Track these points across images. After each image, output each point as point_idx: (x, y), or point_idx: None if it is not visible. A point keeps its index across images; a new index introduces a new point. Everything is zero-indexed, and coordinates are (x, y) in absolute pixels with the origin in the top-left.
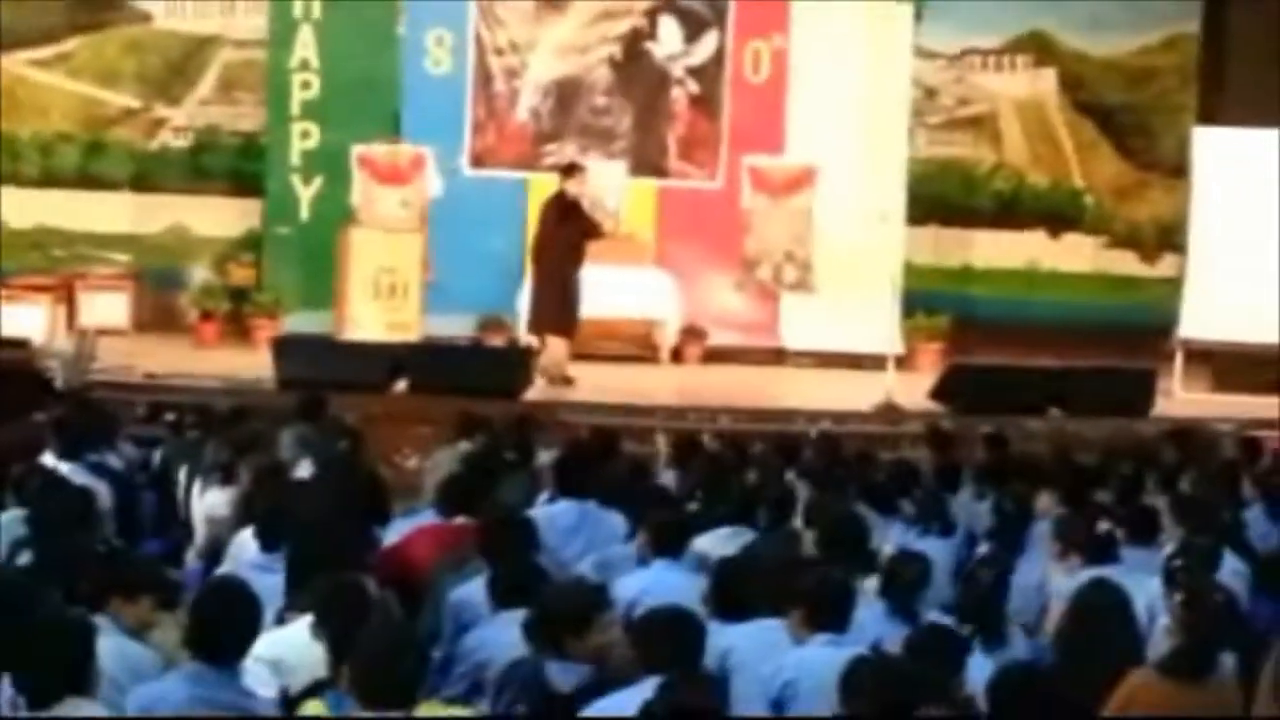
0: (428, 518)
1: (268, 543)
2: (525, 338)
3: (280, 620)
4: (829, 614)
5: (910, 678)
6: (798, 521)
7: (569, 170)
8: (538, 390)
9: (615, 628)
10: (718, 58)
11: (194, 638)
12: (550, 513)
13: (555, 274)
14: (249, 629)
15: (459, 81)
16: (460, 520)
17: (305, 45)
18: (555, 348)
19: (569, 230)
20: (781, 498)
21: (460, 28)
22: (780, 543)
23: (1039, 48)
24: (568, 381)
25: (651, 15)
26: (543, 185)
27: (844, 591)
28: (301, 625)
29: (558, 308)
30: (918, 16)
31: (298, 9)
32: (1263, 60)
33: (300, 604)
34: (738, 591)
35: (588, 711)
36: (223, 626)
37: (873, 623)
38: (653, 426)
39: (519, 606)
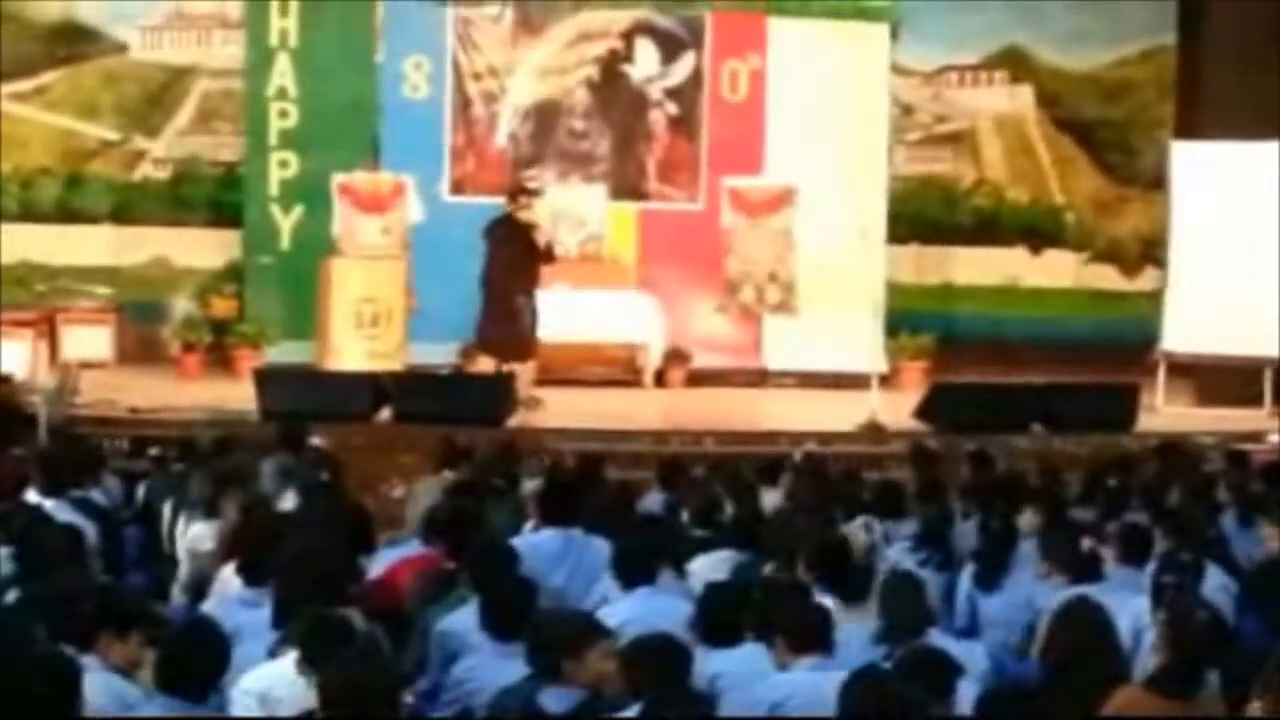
0: (413, 548)
1: (251, 577)
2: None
3: (272, 654)
4: (812, 638)
5: (907, 699)
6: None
7: (515, 195)
8: (521, 416)
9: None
10: (695, 79)
11: (164, 674)
12: (534, 541)
13: (502, 298)
14: (217, 665)
15: (438, 107)
16: (443, 550)
17: (283, 74)
18: (521, 376)
19: (516, 254)
20: (765, 520)
21: (438, 54)
22: (772, 566)
23: (1016, 64)
24: (535, 403)
25: (628, 37)
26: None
27: (824, 615)
28: (289, 659)
29: (506, 332)
30: (894, 34)
31: (274, 38)
32: (1239, 72)
33: (290, 638)
34: (725, 617)
35: None
36: (192, 663)
37: (860, 645)
38: (638, 451)
39: (512, 637)
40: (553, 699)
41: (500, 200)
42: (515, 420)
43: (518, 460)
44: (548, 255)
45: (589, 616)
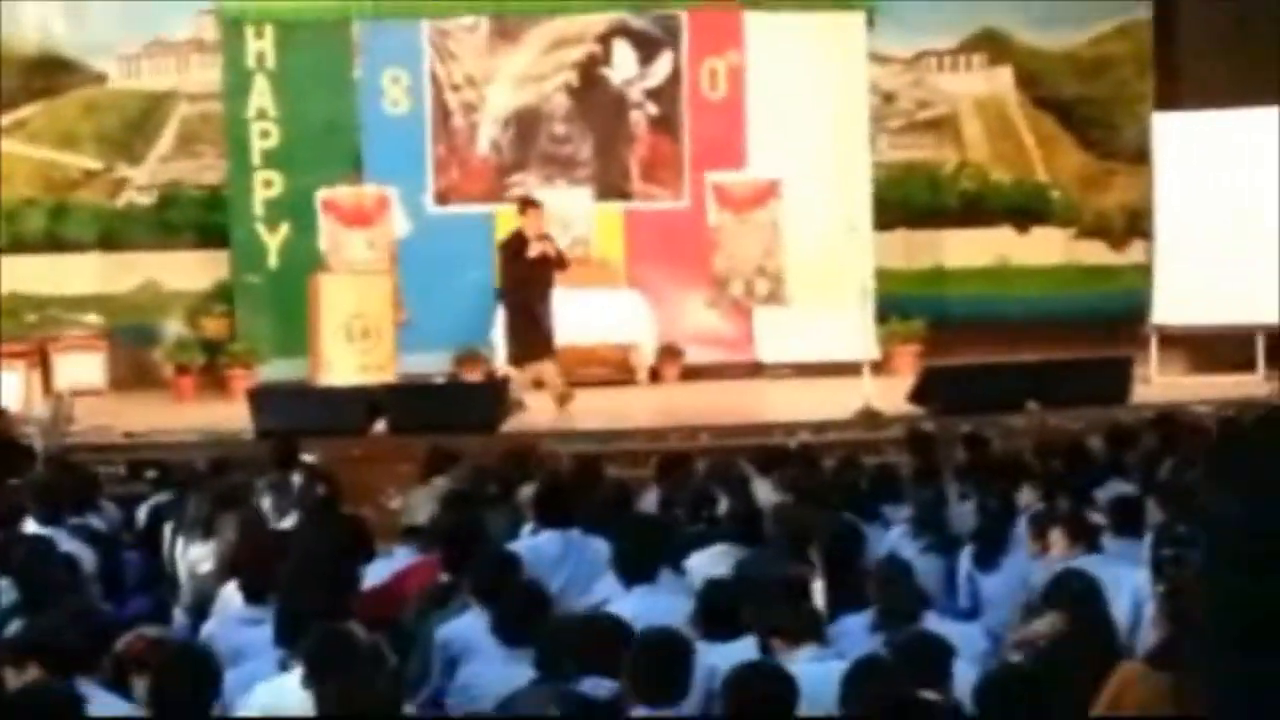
0: (406, 557)
1: (251, 595)
2: (505, 371)
3: (284, 667)
4: (806, 630)
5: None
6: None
7: (523, 207)
8: (520, 421)
9: None
10: (674, 78)
11: (154, 701)
12: (534, 544)
13: (521, 307)
14: (207, 691)
15: (418, 120)
16: (442, 559)
17: (261, 94)
18: (546, 372)
19: (527, 264)
20: (760, 512)
21: (415, 66)
22: (770, 560)
23: (993, 46)
24: (568, 397)
25: (605, 40)
26: (509, 217)
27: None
28: (295, 675)
29: (530, 337)
30: (870, 23)
31: (251, 59)
32: (1215, 42)
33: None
34: (723, 612)
35: None
36: (182, 689)
37: (858, 632)
38: (634, 449)
39: (524, 643)
40: (593, 687)
41: (486, 208)
42: (515, 425)
43: (519, 466)
44: (560, 262)
45: (607, 618)
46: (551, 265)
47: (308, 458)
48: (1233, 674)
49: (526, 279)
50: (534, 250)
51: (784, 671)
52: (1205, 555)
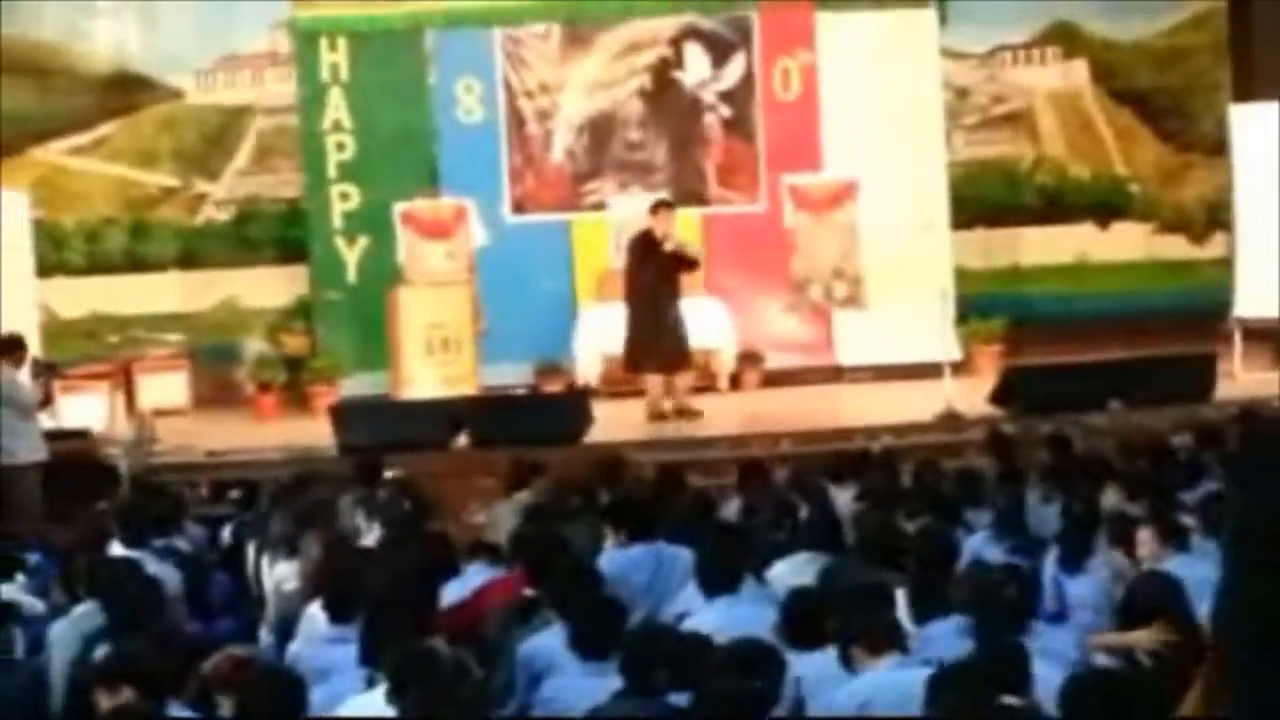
0: (480, 573)
1: (336, 615)
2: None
3: (370, 684)
4: (887, 638)
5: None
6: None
7: (655, 209)
8: (601, 431)
9: None
10: (747, 79)
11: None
12: (622, 558)
13: (646, 312)
14: (292, 711)
15: (493, 128)
16: (525, 574)
17: (337, 107)
18: (651, 385)
19: (655, 266)
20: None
21: (489, 75)
22: (853, 567)
23: (1067, 39)
24: (682, 413)
25: (677, 43)
26: (586, 225)
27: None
28: (380, 691)
29: (649, 345)
30: (943, 19)
31: (326, 72)
32: None
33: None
34: (807, 621)
35: None
36: (268, 710)
37: (944, 638)
38: (717, 458)
39: (602, 657)
40: (677, 701)
41: (562, 217)
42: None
43: (603, 478)
44: (692, 263)
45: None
46: (683, 265)
47: (391, 473)
48: (1253, 677)
49: (655, 281)
50: (669, 245)
51: None
52: (1228, 562)
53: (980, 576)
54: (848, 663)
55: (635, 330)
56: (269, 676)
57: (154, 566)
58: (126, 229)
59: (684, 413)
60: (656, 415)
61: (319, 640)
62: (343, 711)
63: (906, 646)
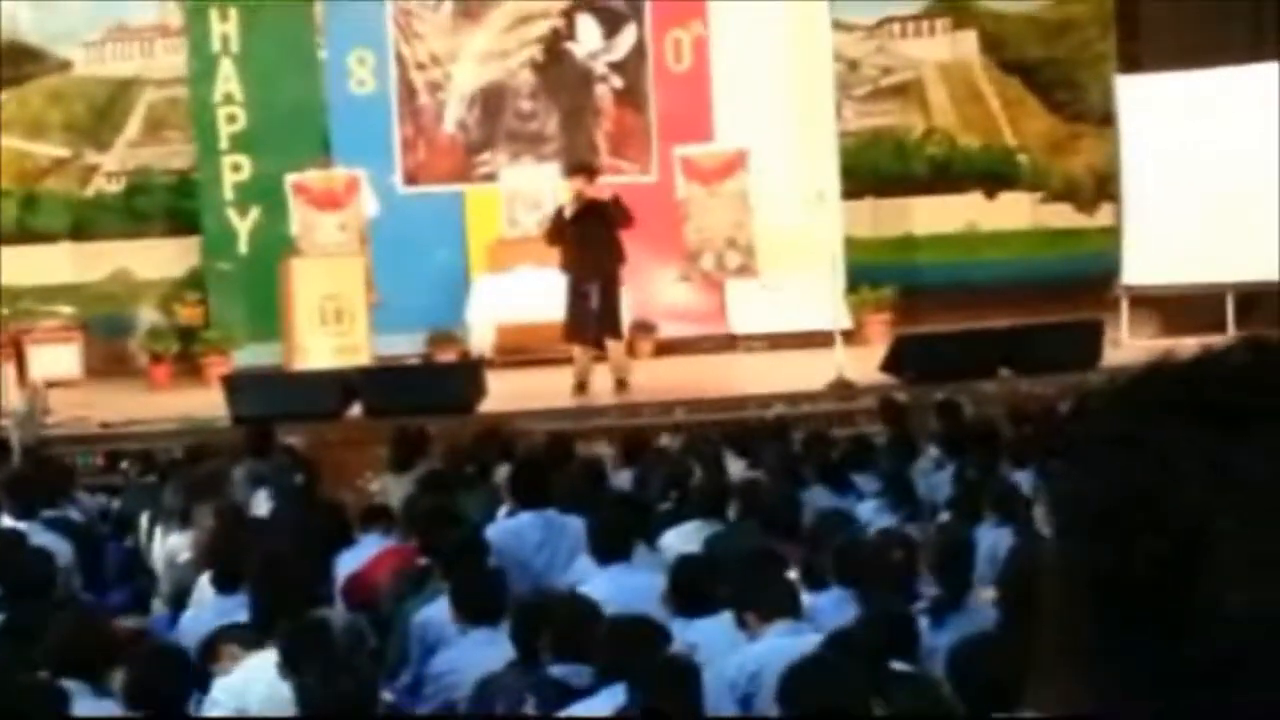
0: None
1: (224, 585)
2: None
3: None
4: (780, 604)
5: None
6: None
7: (580, 172)
8: (491, 401)
9: None
10: (638, 50)
11: (130, 694)
12: (512, 526)
13: (572, 283)
14: (182, 683)
15: (385, 99)
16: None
17: (227, 78)
18: (577, 355)
19: (572, 232)
20: (731, 488)
21: (380, 46)
22: (744, 535)
23: (956, 10)
24: (622, 385)
25: (568, 15)
26: (478, 196)
27: (786, 582)
28: (265, 659)
29: (581, 316)
30: None
31: (216, 43)
32: (1176, 1)
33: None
34: (697, 588)
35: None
36: (158, 685)
37: (831, 606)
38: (608, 426)
39: (482, 622)
40: (568, 672)
41: (455, 188)
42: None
43: (494, 447)
44: (627, 216)
45: (576, 597)
46: (620, 219)
47: (285, 443)
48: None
49: (588, 243)
50: (569, 210)
51: None
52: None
53: (867, 543)
54: (742, 627)
55: (568, 303)
56: (158, 651)
57: (44, 537)
58: (17, 200)
59: (623, 384)
60: (581, 386)
61: (210, 610)
62: (235, 674)
63: (800, 613)
